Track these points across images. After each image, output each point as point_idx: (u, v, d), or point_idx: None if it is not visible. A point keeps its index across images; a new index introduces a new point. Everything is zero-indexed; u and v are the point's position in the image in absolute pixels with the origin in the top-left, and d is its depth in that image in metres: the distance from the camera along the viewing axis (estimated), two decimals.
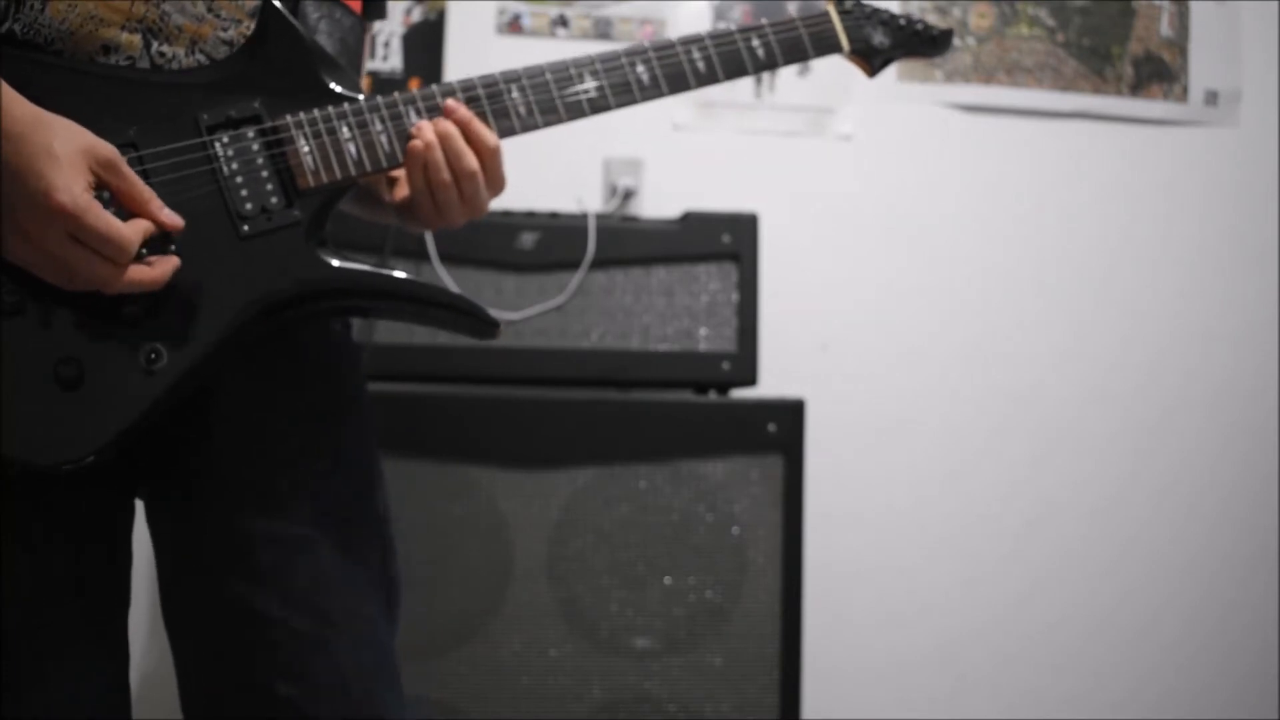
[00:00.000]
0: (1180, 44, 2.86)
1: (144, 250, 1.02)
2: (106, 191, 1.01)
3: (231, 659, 1.13)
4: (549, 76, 1.20)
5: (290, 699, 1.12)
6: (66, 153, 0.98)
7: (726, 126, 2.73)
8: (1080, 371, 2.81)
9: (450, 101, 1.17)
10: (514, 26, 2.68)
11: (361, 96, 1.15)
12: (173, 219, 1.04)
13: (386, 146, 1.15)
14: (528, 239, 2.18)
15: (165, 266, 1.04)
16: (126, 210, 1.02)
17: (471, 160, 1.16)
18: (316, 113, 1.13)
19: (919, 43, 1.37)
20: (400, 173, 1.24)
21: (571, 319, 2.19)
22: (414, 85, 2.64)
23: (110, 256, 0.99)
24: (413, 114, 1.16)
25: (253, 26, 1.13)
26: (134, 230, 1.01)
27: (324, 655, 1.13)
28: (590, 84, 1.21)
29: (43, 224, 0.97)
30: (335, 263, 1.12)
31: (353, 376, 1.25)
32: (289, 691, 1.12)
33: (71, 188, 0.97)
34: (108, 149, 1.01)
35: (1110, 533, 2.80)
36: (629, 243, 2.22)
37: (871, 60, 1.35)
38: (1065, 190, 2.83)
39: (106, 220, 0.98)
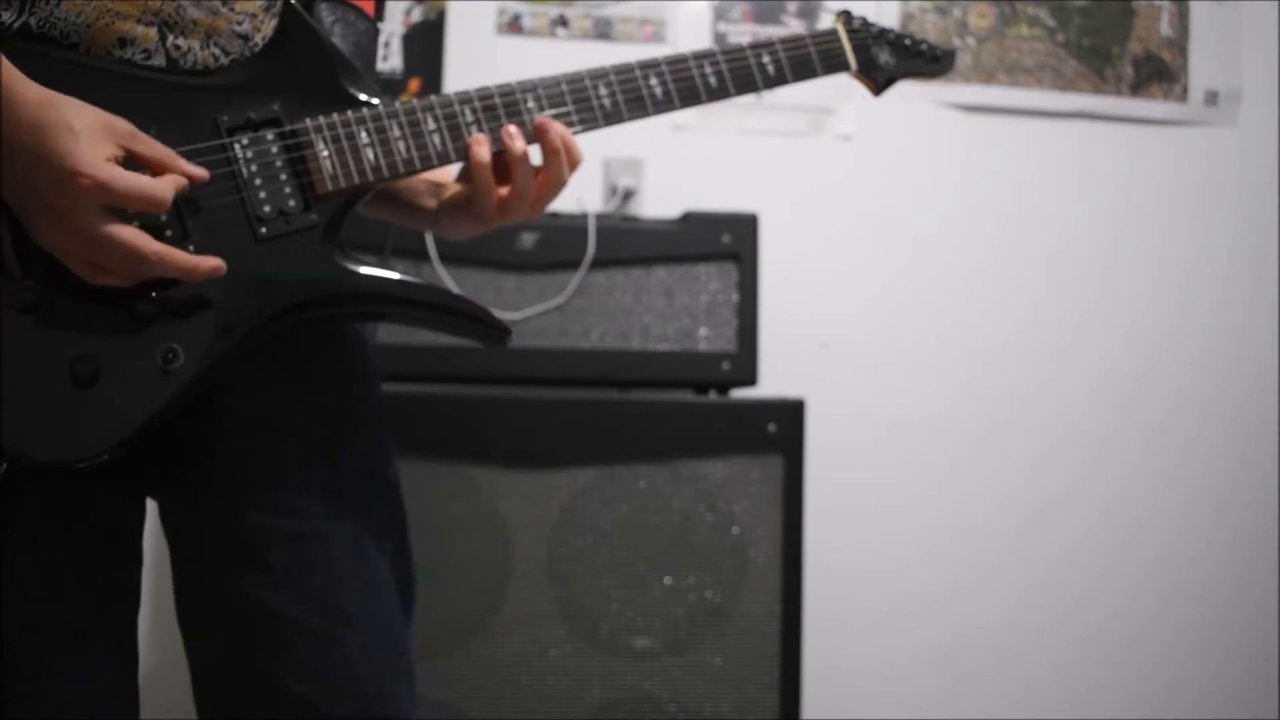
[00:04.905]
0: (1180, 44, 2.86)
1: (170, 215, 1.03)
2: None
3: (245, 657, 1.13)
4: (565, 88, 1.21)
5: (303, 697, 1.12)
6: (86, 128, 0.98)
7: (726, 126, 2.73)
8: (1080, 371, 2.81)
9: (540, 119, 1.20)
10: (514, 26, 2.68)
11: (379, 102, 1.15)
12: (198, 171, 1.05)
13: (404, 153, 1.15)
14: (528, 239, 2.18)
15: (205, 263, 1.04)
16: (154, 174, 1.02)
17: (578, 152, 1.22)
18: (336, 117, 1.13)
19: (923, 63, 1.41)
20: (438, 174, 1.25)
21: (571, 319, 2.19)
22: (414, 85, 2.64)
23: (148, 211, 1.00)
24: (430, 121, 1.16)
25: (266, 20, 1.14)
26: (165, 183, 1.01)
27: (337, 652, 1.13)
28: (605, 96, 1.22)
29: (72, 201, 0.97)
30: (350, 267, 1.12)
31: (366, 377, 1.25)
32: (302, 689, 1.12)
33: (96, 160, 0.97)
34: (123, 122, 1.01)
35: (1110, 533, 2.80)
36: (629, 243, 2.21)
37: (877, 79, 1.39)
38: (1065, 190, 2.83)
39: (136, 178, 0.99)
